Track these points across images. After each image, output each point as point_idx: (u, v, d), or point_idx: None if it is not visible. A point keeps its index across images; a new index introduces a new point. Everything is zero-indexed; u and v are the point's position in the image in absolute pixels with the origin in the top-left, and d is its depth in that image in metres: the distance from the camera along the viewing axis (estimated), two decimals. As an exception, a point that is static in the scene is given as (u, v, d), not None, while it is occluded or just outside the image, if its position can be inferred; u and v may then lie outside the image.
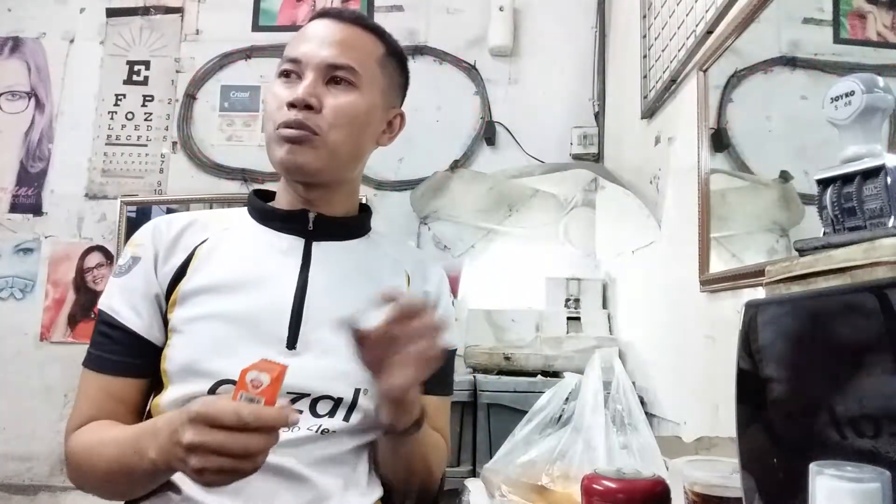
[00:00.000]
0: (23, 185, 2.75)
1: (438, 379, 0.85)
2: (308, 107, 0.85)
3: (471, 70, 2.70)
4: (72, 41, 2.84)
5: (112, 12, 2.84)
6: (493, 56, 2.70)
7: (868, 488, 0.41)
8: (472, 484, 1.05)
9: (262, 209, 0.95)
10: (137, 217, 2.68)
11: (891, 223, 0.57)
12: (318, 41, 0.88)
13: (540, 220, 2.58)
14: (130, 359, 0.85)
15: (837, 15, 1.10)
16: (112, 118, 2.77)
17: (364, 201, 1.07)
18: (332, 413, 0.84)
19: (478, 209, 2.54)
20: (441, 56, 2.72)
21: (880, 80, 0.61)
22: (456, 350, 0.98)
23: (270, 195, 0.98)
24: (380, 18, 2.73)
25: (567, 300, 2.36)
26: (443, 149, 2.64)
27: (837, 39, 1.09)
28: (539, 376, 2.04)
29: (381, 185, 2.65)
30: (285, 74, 0.89)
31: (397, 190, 2.64)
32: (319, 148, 0.86)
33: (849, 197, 0.61)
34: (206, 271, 0.86)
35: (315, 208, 0.93)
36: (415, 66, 2.72)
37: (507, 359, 2.11)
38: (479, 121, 2.67)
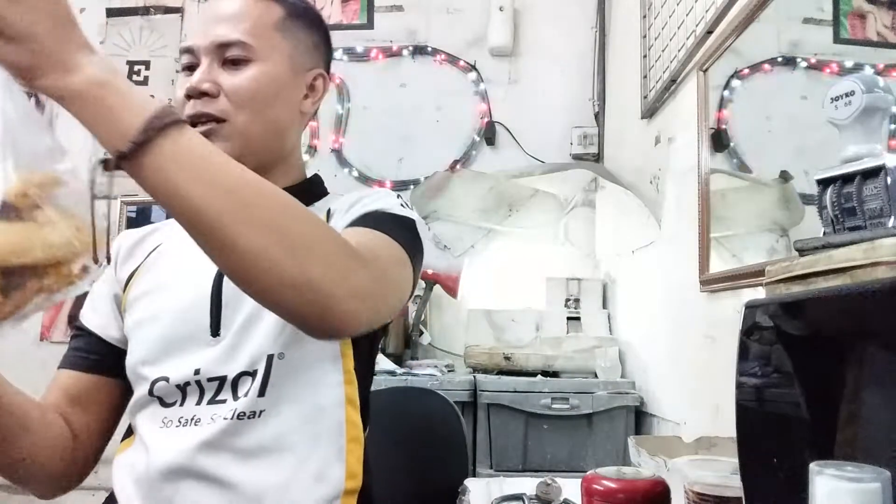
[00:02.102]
0: (23, 185, 2.75)
1: (366, 221, 0.77)
2: (204, 94, 0.80)
3: (471, 70, 2.70)
4: (72, 41, 2.84)
5: (112, 12, 2.83)
6: (493, 56, 2.70)
7: (868, 488, 0.41)
8: (472, 484, 1.05)
9: None
10: (137, 217, 2.67)
11: (891, 223, 0.57)
12: (206, 23, 0.83)
13: (540, 220, 2.58)
14: (84, 354, 0.87)
15: (837, 15, 1.10)
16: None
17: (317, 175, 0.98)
18: (248, 392, 0.76)
19: (478, 209, 2.54)
20: (441, 56, 2.72)
21: (880, 80, 0.61)
22: (413, 221, 0.82)
23: None
24: (380, 18, 2.73)
25: (567, 300, 2.36)
26: (443, 149, 2.64)
27: (837, 39, 1.09)
28: (539, 376, 2.04)
29: (381, 186, 2.65)
30: (187, 69, 0.83)
31: (397, 190, 2.64)
32: (230, 135, 0.81)
33: (849, 197, 0.61)
34: (148, 276, 0.86)
35: None
36: (415, 65, 2.73)
37: (507, 359, 2.11)
38: (479, 121, 2.67)
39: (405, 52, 2.72)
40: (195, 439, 0.75)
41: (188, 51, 0.82)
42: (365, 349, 0.85)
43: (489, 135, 2.64)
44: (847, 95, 0.61)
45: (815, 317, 0.54)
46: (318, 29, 0.92)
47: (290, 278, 0.55)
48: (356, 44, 2.72)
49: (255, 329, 0.78)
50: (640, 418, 1.97)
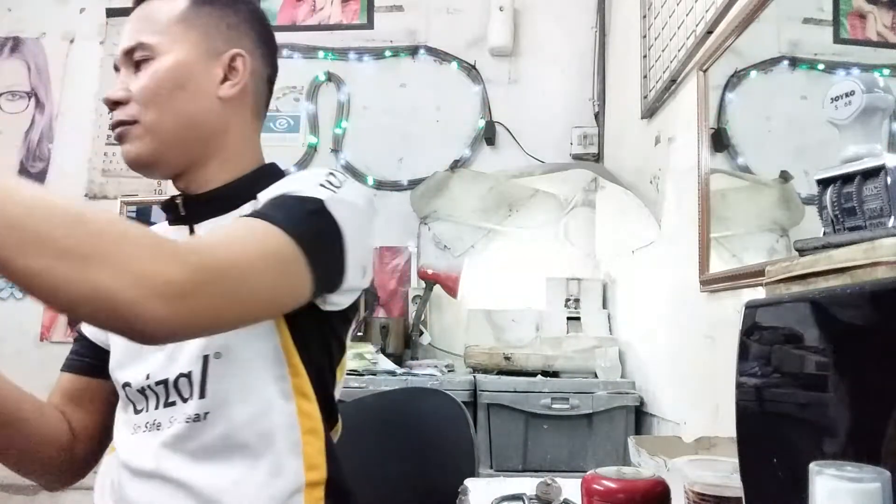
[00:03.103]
0: (23, 185, 2.75)
1: (255, 212, 0.71)
2: (117, 102, 0.82)
3: (471, 70, 2.70)
4: (72, 41, 2.84)
5: (112, 12, 2.83)
6: (493, 56, 2.70)
7: (868, 488, 0.41)
8: (472, 484, 1.05)
9: (163, 207, 0.90)
10: (137, 217, 2.67)
11: (891, 223, 0.57)
12: (124, 36, 0.85)
13: (540, 220, 2.58)
14: (80, 357, 0.90)
15: (837, 15, 1.10)
16: (112, 118, 2.76)
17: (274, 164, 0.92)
18: (190, 394, 0.76)
19: (478, 209, 2.54)
20: (441, 56, 2.72)
21: (880, 80, 0.61)
22: (320, 200, 0.73)
23: None
24: (380, 18, 2.73)
25: (567, 300, 2.36)
26: (443, 149, 2.64)
27: (837, 39, 1.09)
28: (539, 376, 2.04)
29: (381, 185, 2.65)
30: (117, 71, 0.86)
31: (397, 190, 2.64)
32: (141, 135, 0.81)
33: (849, 197, 0.61)
34: None
35: (190, 192, 0.87)
36: (415, 65, 2.73)
37: (507, 359, 2.11)
38: (479, 121, 2.67)
39: (405, 52, 2.72)
40: (156, 442, 0.76)
41: (115, 68, 0.85)
42: (314, 341, 0.81)
43: (489, 135, 2.64)
44: (847, 95, 0.61)
45: (815, 317, 0.54)
46: (236, 8, 0.88)
47: (77, 292, 0.53)
48: (356, 44, 2.72)
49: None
50: (640, 418, 1.97)
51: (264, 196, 0.77)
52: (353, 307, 0.84)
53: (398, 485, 1.20)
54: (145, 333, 0.57)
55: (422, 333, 2.43)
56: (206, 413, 0.75)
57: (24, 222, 0.52)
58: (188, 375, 0.77)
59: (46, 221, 0.53)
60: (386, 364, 2.14)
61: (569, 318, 2.31)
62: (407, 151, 2.67)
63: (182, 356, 0.77)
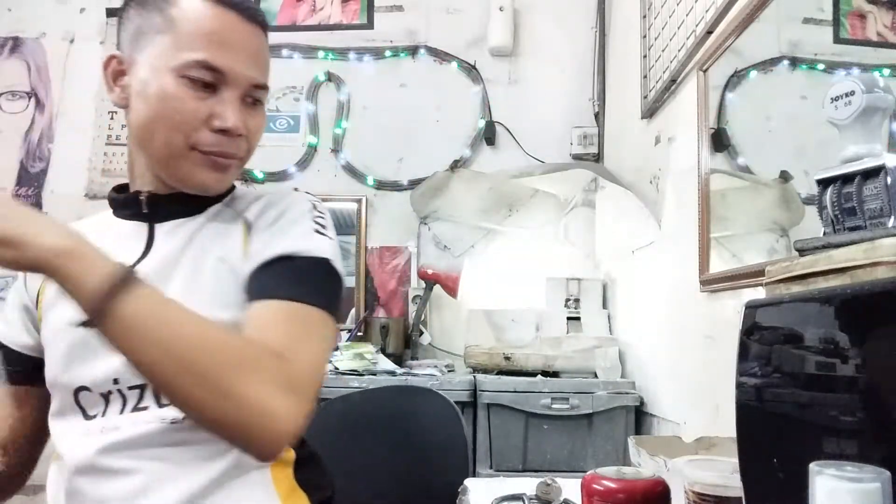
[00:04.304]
0: (23, 185, 2.75)
1: (268, 282, 0.75)
2: (238, 135, 0.81)
3: (471, 70, 2.70)
4: (72, 41, 2.84)
5: (112, 12, 2.83)
6: (493, 56, 2.70)
7: (868, 488, 0.41)
8: (472, 484, 1.05)
9: (113, 200, 0.88)
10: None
11: (891, 223, 0.57)
12: (242, 53, 0.79)
13: (540, 220, 2.58)
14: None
15: (837, 15, 1.10)
16: (112, 118, 2.76)
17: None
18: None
19: (478, 209, 2.54)
20: (441, 56, 2.72)
21: (880, 80, 0.61)
22: (328, 260, 0.79)
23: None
24: (380, 18, 2.73)
25: (567, 300, 2.36)
26: (443, 149, 2.64)
27: (837, 39, 1.09)
28: (539, 376, 2.04)
29: (381, 185, 2.65)
30: (202, 85, 0.77)
31: (397, 190, 2.64)
32: (235, 170, 0.84)
33: (849, 197, 0.61)
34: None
35: (159, 191, 0.85)
36: (415, 65, 2.73)
37: (507, 359, 2.11)
38: (479, 121, 2.67)
39: (405, 52, 2.72)
40: (119, 442, 0.73)
41: (216, 70, 0.77)
42: None
43: (489, 135, 2.64)
44: (847, 95, 0.61)
45: (815, 317, 0.54)
46: None
47: (213, 418, 0.64)
48: (356, 44, 2.72)
49: None
50: (640, 418, 1.97)
51: (257, 222, 0.82)
52: None
53: (390, 484, 1.19)
54: (267, 455, 0.68)
55: (422, 333, 2.43)
56: (182, 419, 0.74)
57: (183, 354, 0.63)
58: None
59: (203, 351, 0.63)
60: (386, 364, 2.14)
61: (569, 318, 2.31)
62: (407, 151, 2.67)
63: None
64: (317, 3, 2.77)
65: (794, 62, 1.20)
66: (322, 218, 0.83)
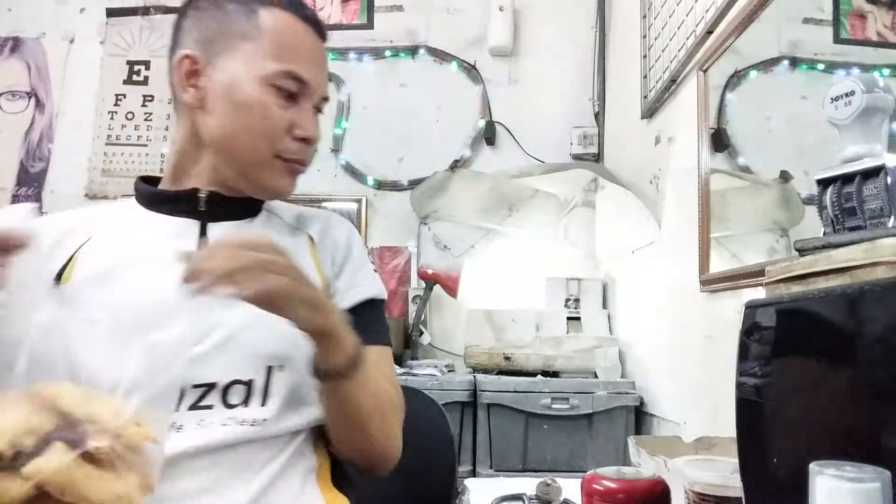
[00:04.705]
0: (23, 185, 2.75)
1: (373, 328, 0.84)
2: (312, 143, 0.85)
3: (471, 70, 2.70)
4: (72, 41, 2.84)
5: (112, 12, 2.84)
6: (493, 56, 2.70)
7: (868, 488, 0.41)
8: (472, 484, 1.05)
9: (150, 194, 0.86)
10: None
11: (891, 223, 0.57)
12: (317, 66, 0.83)
13: (540, 220, 2.58)
14: None
15: (837, 15, 1.10)
16: (112, 118, 2.77)
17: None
18: (246, 401, 0.76)
19: (478, 209, 2.54)
20: (441, 56, 2.72)
21: (880, 80, 0.61)
22: (384, 300, 0.91)
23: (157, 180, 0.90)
24: (380, 18, 2.73)
25: (567, 300, 2.36)
26: (443, 149, 2.64)
27: (837, 39, 1.09)
28: (539, 376, 2.04)
29: (381, 185, 2.65)
30: (287, 95, 0.80)
31: (397, 190, 2.64)
32: (301, 175, 0.87)
33: (849, 197, 0.61)
34: (89, 265, 0.79)
35: (220, 192, 0.85)
36: (415, 65, 2.73)
37: (507, 359, 2.11)
38: (479, 121, 2.67)
39: (405, 52, 2.72)
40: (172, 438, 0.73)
41: (301, 81, 0.81)
42: None
43: (489, 135, 2.65)
44: (847, 95, 0.61)
45: (815, 317, 0.54)
46: None
47: (373, 451, 0.82)
48: (356, 44, 2.72)
49: (239, 338, 0.77)
50: (640, 418, 1.97)
51: (324, 242, 0.89)
52: None
53: (382, 486, 1.19)
54: (384, 473, 0.85)
55: (422, 333, 2.43)
56: (265, 419, 0.76)
57: (379, 404, 0.80)
58: (248, 383, 0.76)
59: (389, 405, 0.83)
60: (386, 364, 2.14)
61: (569, 318, 2.31)
62: (407, 151, 2.67)
63: (240, 363, 0.76)
64: (317, 3, 2.77)
65: (794, 62, 1.20)
66: (370, 256, 0.95)
